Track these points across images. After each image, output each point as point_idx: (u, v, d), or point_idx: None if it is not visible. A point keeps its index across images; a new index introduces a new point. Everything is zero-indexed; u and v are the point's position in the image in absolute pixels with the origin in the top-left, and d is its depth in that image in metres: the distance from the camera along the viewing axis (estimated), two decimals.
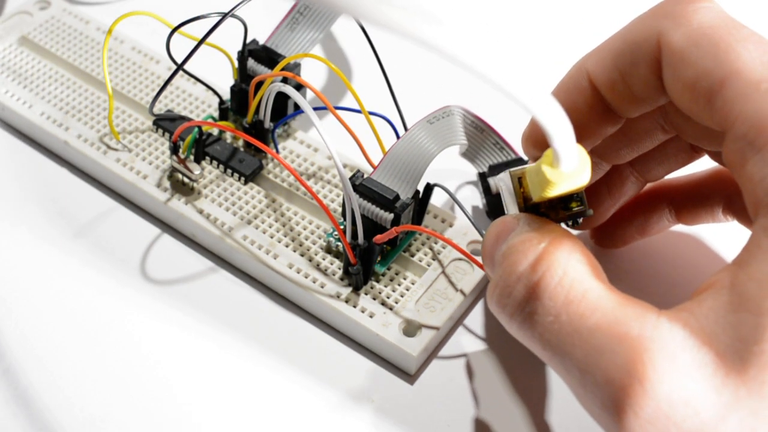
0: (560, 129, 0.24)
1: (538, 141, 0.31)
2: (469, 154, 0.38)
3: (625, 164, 0.34)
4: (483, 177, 0.38)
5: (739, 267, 0.25)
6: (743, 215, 0.34)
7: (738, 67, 0.26)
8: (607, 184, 0.34)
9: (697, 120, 0.27)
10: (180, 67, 0.35)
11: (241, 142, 0.38)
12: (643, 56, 0.28)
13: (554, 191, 0.26)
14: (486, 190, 0.38)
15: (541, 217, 0.28)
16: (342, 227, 0.34)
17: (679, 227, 0.37)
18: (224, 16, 0.35)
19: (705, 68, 0.26)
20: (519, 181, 0.29)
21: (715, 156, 0.33)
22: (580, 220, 0.29)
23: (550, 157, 0.26)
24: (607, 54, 0.29)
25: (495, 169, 0.37)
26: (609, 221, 0.35)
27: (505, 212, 0.30)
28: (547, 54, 0.45)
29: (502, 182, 0.30)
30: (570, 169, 0.26)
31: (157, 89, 0.40)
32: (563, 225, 0.29)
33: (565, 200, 0.28)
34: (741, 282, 0.24)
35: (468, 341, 0.35)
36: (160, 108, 0.40)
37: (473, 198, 0.39)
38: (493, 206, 0.38)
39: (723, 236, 0.37)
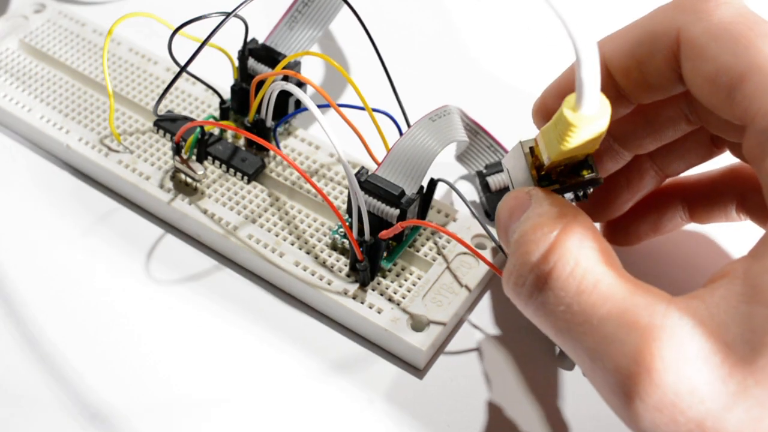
0: (591, 67, 0.24)
1: (549, 112, 0.31)
2: (463, 157, 0.38)
3: (645, 157, 0.34)
4: (481, 175, 0.38)
5: (754, 258, 0.25)
6: (757, 214, 0.34)
7: (759, 61, 0.26)
8: (626, 177, 0.34)
9: (718, 113, 0.28)
10: (183, 69, 0.35)
11: (242, 141, 0.38)
12: (660, 48, 0.28)
13: (575, 137, 0.26)
14: (485, 187, 0.38)
15: (553, 195, 0.28)
16: (348, 223, 0.34)
17: (692, 225, 0.37)
18: (227, 16, 0.35)
19: (725, 63, 0.27)
20: (531, 151, 0.29)
21: (737, 150, 0.33)
22: (590, 191, 0.29)
23: (571, 102, 0.26)
24: (624, 42, 0.29)
25: (493, 168, 0.38)
26: (622, 218, 0.36)
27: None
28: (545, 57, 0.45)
29: (509, 161, 0.30)
30: (591, 111, 0.25)
31: (156, 90, 0.40)
32: (573, 196, 0.29)
33: (577, 168, 0.29)
34: (755, 274, 0.25)
35: (474, 335, 0.35)
36: (160, 109, 0.40)
37: (470, 192, 0.39)
38: (492, 204, 0.38)
39: (734, 235, 0.37)
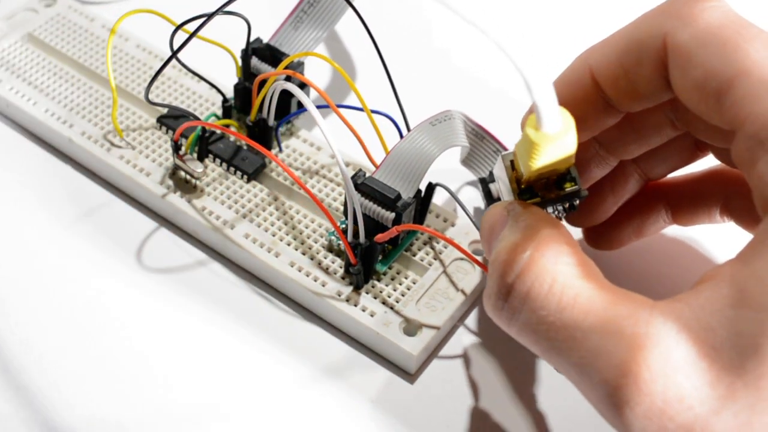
0: (542, 86, 0.24)
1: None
2: (469, 162, 0.38)
3: (629, 162, 0.34)
4: (484, 182, 0.38)
5: (742, 262, 0.25)
6: (741, 216, 0.34)
7: (747, 66, 0.26)
8: (610, 182, 0.34)
9: (706, 119, 0.27)
10: (174, 55, 0.35)
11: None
12: (648, 55, 0.28)
13: (540, 157, 0.26)
14: (487, 194, 0.38)
15: (529, 207, 0.28)
16: (344, 226, 0.34)
17: (675, 229, 0.37)
18: (217, 10, 0.35)
19: (713, 68, 0.26)
20: (512, 165, 0.29)
21: (721, 154, 0.33)
22: (577, 203, 0.29)
23: (533, 121, 0.25)
24: (611, 50, 0.29)
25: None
26: (604, 222, 0.35)
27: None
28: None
29: (497, 171, 0.30)
30: (553, 130, 0.25)
31: (161, 86, 0.40)
32: (560, 209, 0.29)
33: (559, 181, 0.28)
34: (743, 278, 0.24)
35: (468, 341, 0.35)
36: (154, 97, 0.40)
37: (475, 198, 0.39)
38: None
39: (717, 239, 0.37)
